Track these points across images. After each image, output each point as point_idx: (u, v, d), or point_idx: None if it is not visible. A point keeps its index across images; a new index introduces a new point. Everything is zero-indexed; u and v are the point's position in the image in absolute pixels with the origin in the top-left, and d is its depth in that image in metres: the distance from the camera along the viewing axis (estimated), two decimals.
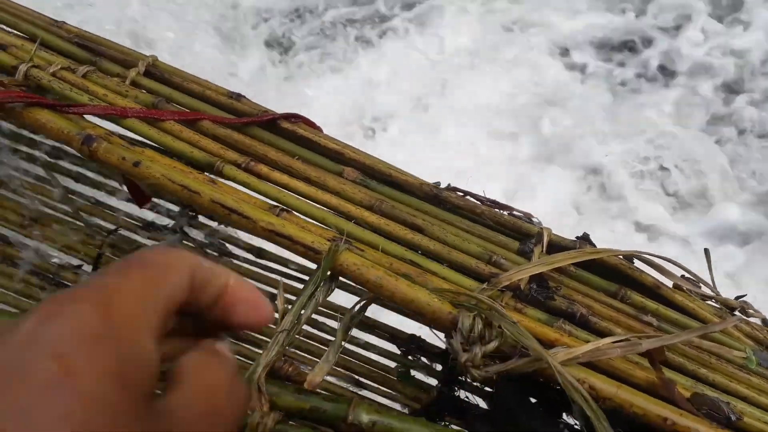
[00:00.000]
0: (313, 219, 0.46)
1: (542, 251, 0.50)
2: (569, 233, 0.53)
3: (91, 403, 0.19)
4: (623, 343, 0.38)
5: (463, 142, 1.77)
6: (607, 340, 0.38)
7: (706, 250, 0.55)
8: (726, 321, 0.40)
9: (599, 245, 0.52)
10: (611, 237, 1.58)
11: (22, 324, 0.20)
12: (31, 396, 0.19)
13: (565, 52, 2.13)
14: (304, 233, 0.42)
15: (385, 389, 0.75)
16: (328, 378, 0.75)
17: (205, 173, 0.47)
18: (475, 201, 0.56)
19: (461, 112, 1.86)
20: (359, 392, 0.74)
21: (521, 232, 0.52)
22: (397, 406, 0.74)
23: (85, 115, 0.49)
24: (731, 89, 1.97)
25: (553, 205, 1.66)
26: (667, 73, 2.06)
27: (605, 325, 0.44)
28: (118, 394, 0.20)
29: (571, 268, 0.49)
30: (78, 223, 0.89)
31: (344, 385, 0.75)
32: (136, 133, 0.50)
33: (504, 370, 0.38)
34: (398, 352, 0.77)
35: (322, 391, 0.35)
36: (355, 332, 0.79)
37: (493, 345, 0.38)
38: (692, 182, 1.72)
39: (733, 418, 0.38)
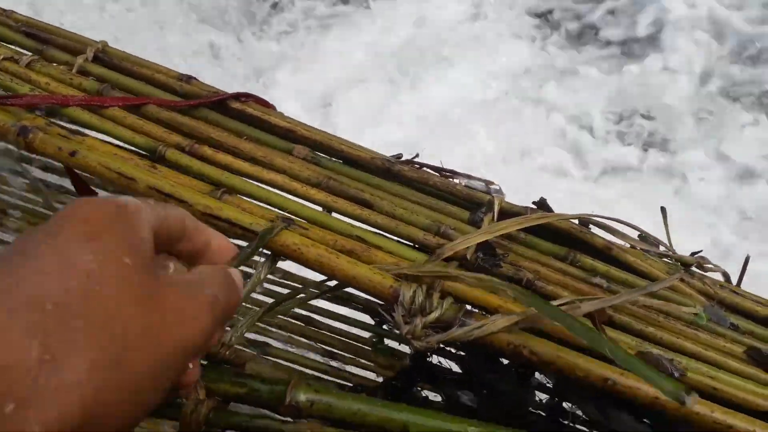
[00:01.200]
0: (256, 200, 0.45)
1: (492, 219, 0.50)
2: None
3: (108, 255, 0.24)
4: (563, 307, 0.38)
5: None
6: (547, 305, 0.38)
7: (663, 208, 0.54)
8: (667, 279, 0.40)
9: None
10: None
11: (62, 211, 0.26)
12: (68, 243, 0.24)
13: None
14: (242, 215, 0.41)
15: (359, 359, 0.76)
16: (297, 351, 0.75)
17: (148, 159, 0.47)
18: (430, 172, 0.56)
19: None
20: (330, 363, 0.75)
21: (473, 202, 0.52)
22: (371, 375, 0.74)
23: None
24: None
25: None
26: None
27: (552, 289, 0.44)
28: (128, 252, 0.25)
29: (521, 235, 0.49)
30: (49, 213, 0.89)
31: (317, 357, 0.76)
32: (76, 122, 0.49)
33: (444, 339, 0.38)
34: (372, 323, 0.78)
35: (257, 374, 0.35)
36: (328, 305, 0.79)
37: (433, 316, 0.38)
38: None
39: (677, 374, 0.39)
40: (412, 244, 0.47)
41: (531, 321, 0.38)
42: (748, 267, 0.58)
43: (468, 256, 0.45)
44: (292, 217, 0.44)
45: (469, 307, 0.39)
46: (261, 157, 0.50)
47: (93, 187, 0.56)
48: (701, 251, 0.53)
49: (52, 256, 0.23)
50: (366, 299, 0.79)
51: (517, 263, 0.46)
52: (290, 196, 0.47)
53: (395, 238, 0.47)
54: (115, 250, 0.25)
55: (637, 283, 0.46)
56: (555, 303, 0.38)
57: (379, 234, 0.46)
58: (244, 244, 0.39)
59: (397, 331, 0.39)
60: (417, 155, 0.66)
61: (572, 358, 0.37)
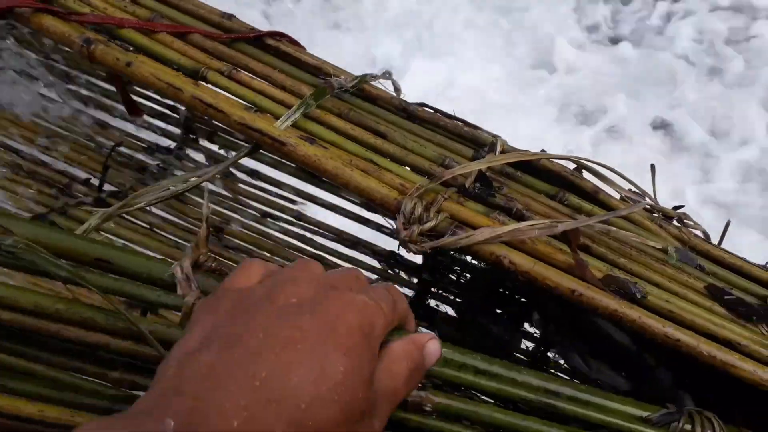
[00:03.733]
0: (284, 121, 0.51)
1: (495, 157, 0.55)
2: None
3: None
4: (542, 225, 0.43)
5: None
6: (529, 222, 0.43)
7: (652, 166, 0.59)
8: (633, 206, 0.45)
9: None
10: None
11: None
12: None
13: None
14: (273, 128, 0.47)
15: None
16: None
17: (191, 78, 0.53)
18: (441, 117, 0.61)
19: None
20: None
21: (478, 143, 0.57)
22: None
23: (86, 24, 0.55)
24: None
25: None
26: None
27: (538, 219, 0.49)
28: (367, 372, 0.30)
29: (518, 174, 0.55)
30: (86, 142, 0.95)
31: None
32: (130, 42, 0.55)
33: (437, 246, 0.44)
34: (379, 266, 0.84)
35: None
36: (340, 248, 0.85)
37: (428, 225, 0.44)
38: None
39: (638, 295, 0.44)
40: (419, 173, 0.52)
41: (512, 236, 0.43)
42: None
43: (467, 185, 0.50)
44: (315, 138, 0.50)
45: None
46: (290, 86, 0.55)
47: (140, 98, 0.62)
48: (683, 206, 0.57)
49: (308, 358, 0.28)
50: (374, 245, 0.85)
51: (511, 195, 0.51)
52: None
53: (405, 167, 0.52)
54: (360, 370, 0.29)
55: (618, 223, 0.52)
56: (535, 223, 0.44)
57: (390, 161, 0.51)
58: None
59: (397, 238, 0.45)
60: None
61: (545, 270, 0.43)
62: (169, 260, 0.41)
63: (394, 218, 0.46)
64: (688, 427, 0.41)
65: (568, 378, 0.73)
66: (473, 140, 0.58)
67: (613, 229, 0.45)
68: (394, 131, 0.55)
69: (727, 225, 0.60)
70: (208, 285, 0.40)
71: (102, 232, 0.81)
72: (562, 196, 0.53)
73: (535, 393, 0.40)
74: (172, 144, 0.97)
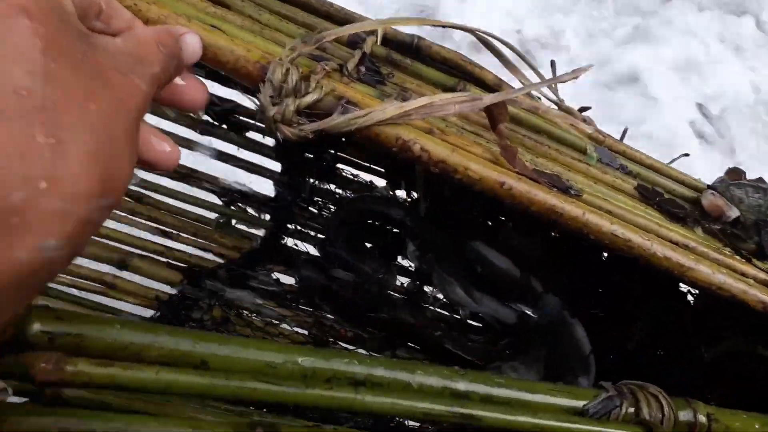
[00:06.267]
0: None
1: (376, 43, 0.43)
2: None
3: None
4: (462, 98, 0.32)
5: None
6: (445, 95, 0.32)
7: (552, 62, 0.51)
8: (563, 76, 0.36)
9: None
10: None
11: None
12: None
13: None
14: None
15: (198, 240, 0.66)
16: (129, 230, 0.65)
17: None
18: None
19: None
20: (167, 244, 0.65)
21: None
22: (209, 257, 0.66)
23: None
24: None
25: None
26: None
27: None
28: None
29: (407, 61, 0.43)
30: None
31: (150, 237, 0.65)
32: None
33: (322, 128, 0.31)
34: (219, 203, 0.69)
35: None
36: (165, 181, 0.69)
37: (310, 98, 0.31)
38: None
39: (572, 192, 0.35)
40: None
41: (425, 112, 0.32)
42: None
43: (350, 68, 0.38)
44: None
45: None
46: None
47: None
48: (590, 108, 0.50)
49: None
50: (213, 177, 0.70)
51: (403, 85, 0.40)
52: None
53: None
54: (50, 22, 0.22)
55: (523, 117, 0.42)
56: (454, 96, 0.33)
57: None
58: None
59: (261, 120, 0.32)
60: None
61: (466, 158, 0.32)
62: None
63: (255, 92, 0.32)
64: (632, 410, 0.33)
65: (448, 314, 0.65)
66: (347, 23, 0.45)
67: (543, 107, 0.35)
68: (241, 0, 0.41)
69: (624, 131, 0.54)
70: None
71: None
72: (462, 87, 0.43)
73: (441, 400, 0.29)
74: None
